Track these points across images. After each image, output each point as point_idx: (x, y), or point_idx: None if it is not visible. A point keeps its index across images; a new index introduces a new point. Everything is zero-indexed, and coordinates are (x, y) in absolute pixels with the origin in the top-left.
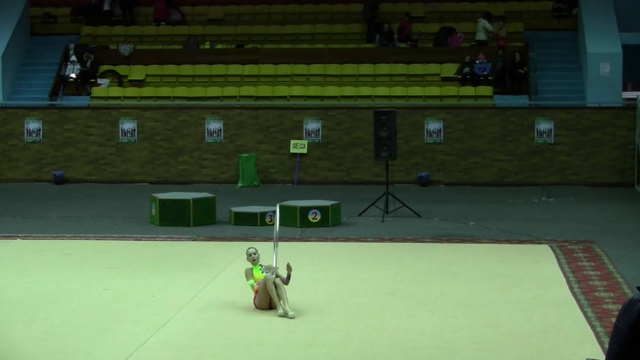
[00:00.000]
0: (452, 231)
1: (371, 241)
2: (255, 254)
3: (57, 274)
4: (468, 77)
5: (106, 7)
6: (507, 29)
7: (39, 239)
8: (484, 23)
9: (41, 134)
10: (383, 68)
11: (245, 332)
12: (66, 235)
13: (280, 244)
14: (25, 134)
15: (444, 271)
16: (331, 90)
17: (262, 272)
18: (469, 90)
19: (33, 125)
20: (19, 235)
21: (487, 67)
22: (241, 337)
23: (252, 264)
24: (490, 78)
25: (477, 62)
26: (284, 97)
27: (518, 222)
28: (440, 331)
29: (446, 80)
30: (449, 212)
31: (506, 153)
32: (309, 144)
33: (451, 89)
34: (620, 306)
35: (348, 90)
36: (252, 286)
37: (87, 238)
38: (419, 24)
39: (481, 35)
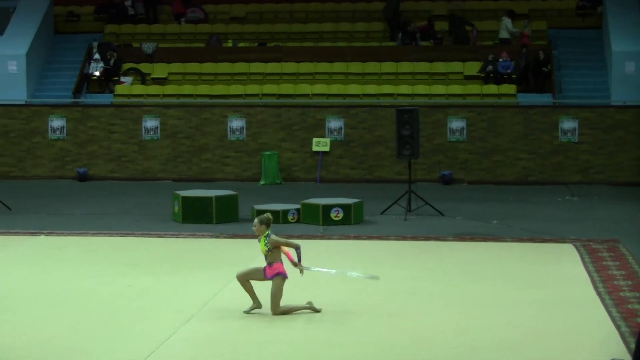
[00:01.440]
0: (475, 230)
1: (393, 239)
2: (255, 225)
3: (80, 271)
4: (491, 75)
5: (130, 12)
6: (530, 27)
7: (63, 236)
8: (506, 22)
9: (65, 131)
10: (405, 66)
11: (265, 330)
12: (89, 232)
13: (303, 241)
14: (49, 131)
15: (466, 270)
16: (353, 89)
17: (266, 245)
18: (492, 88)
19: (57, 122)
20: (43, 231)
21: (510, 65)
22: (261, 335)
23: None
24: (513, 76)
25: (500, 60)
26: (306, 95)
27: (541, 221)
28: (462, 331)
29: (469, 78)
30: (472, 210)
31: (529, 152)
32: (331, 142)
33: (474, 88)
34: None
35: (370, 89)
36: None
37: (109, 235)
38: (441, 22)
39: (504, 34)
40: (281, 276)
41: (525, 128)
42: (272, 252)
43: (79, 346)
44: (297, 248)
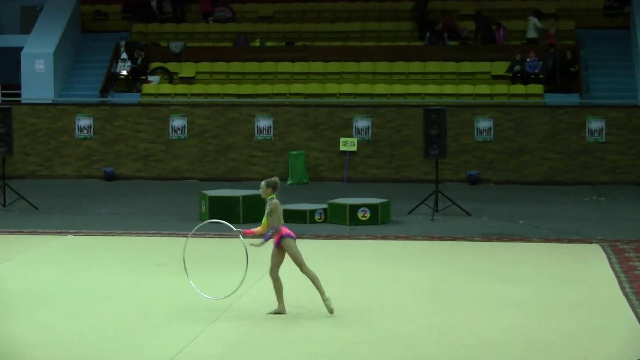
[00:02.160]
0: (501, 230)
1: (420, 239)
2: (262, 188)
3: (107, 270)
4: (519, 75)
5: (158, 15)
6: (557, 27)
7: (89, 235)
8: (534, 21)
9: (92, 130)
10: (433, 66)
11: (292, 330)
12: (116, 231)
13: (330, 241)
14: (76, 130)
15: (493, 270)
16: (381, 88)
17: (267, 207)
18: (519, 88)
19: (84, 121)
20: (70, 231)
21: (538, 65)
22: (288, 335)
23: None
24: (541, 76)
25: (527, 60)
26: (334, 95)
27: (568, 221)
28: (489, 330)
29: (497, 78)
30: (499, 210)
31: (557, 152)
32: (358, 141)
33: (501, 87)
34: None
35: (398, 88)
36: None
37: (136, 235)
38: (468, 21)
39: (532, 33)
40: (287, 237)
41: (552, 128)
42: (271, 217)
43: (107, 345)
44: (266, 238)
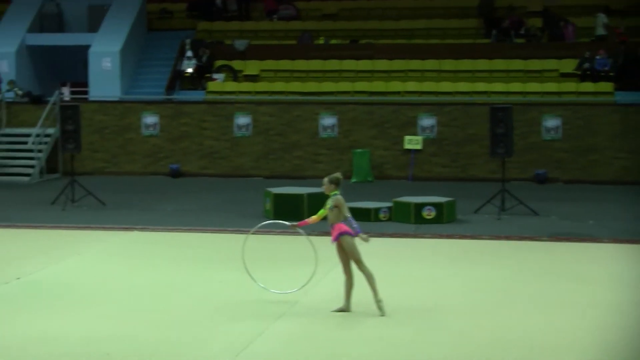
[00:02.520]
0: (570, 230)
1: (487, 239)
2: (324, 184)
3: (173, 266)
4: (588, 72)
5: (223, 13)
6: (627, 24)
7: (155, 231)
8: (602, 18)
9: (158, 127)
10: (499, 64)
11: (357, 328)
12: (182, 228)
13: (394, 240)
14: (143, 127)
15: (562, 271)
16: (446, 86)
17: (330, 202)
18: (588, 86)
19: (150, 119)
20: (136, 227)
21: (607, 62)
22: (353, 332)
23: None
24: (611, 74)
25: (597, 57)
26: (398, 93)
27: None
28: (558, 332)
29: (565, 76)
30: (567, 210)
31: (628, 151)
32: (423, 139)
33: (570, 85)
34: None
35: (463, 86)
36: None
37: (202, 231)
38: (535, 18)
39: (600, 30)
40: (347, 234)
41: (623, 126)
42: (333, 212)
43: (173, 340)
44: (358, 231)
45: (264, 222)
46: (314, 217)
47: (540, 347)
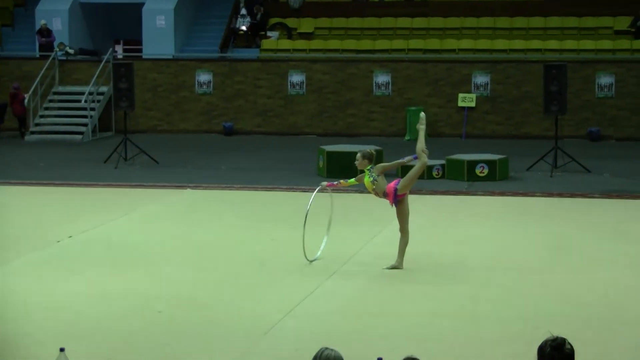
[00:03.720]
0: (623, 187)
1: (539, 196)
2: (358, 159)
3: (226, 224)
4: None
5: None
6: None
7: (209, 189)
8: None
9: (212, 86)
10: (554, 21)
11: (410, 285)
12: (235, 186)
13: (447, 197)
14: (196, 85)
15: (614, 228)
16: (500, 44)
17: (370, 176)
18: None
19: (204, 77)
20: (189, 185)
21: None
22: (406, 290)
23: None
24: None
25: None
26: (453, 51)
27: None
28: (610, 289)
29: (619, 33)
30: (620, 167)
31: None
32: (477, 97)
33: (624, 43)
34: None
35: (518, 44)
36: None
37: (255, 189)
38: None
39: None
40: (401, 197)
41: None
42: (378, 181)
43: (226, 297)
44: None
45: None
46: (343, 182)
47: (599, 303)
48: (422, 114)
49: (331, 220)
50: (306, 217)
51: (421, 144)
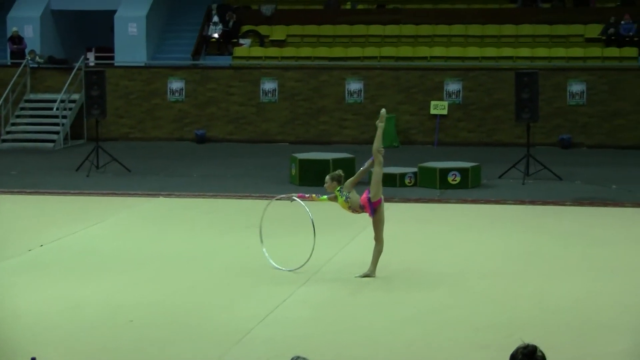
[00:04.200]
0: (594, 194)
1: (511, 204)
2: (327, 182)
3: (198, 232)
4: (613, 38)
5: None
6: None
7: (181, 197)
8: None
9: (184, 93)
10: (526, 29)
11: (383, 292)
12: (207, 193)
13: (419, 205)
14: (169, 93)
15: (585, 235)
16: (472, 51)
17: (343, 196)
18: (613, 51)
19: (176, 84)
20: (162, 193)
21: (632, 27)
22: (379, 297)
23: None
24: (636, 39)
25: (622, 22)
26: (425, 58)
27: None
28: (582, 295)
29: (590, 41)
30: (591, 175)
31: None
32: (449, 105)
33: (595, 50)
34: None
35: (489, 51)
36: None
37: (227, 197)
38: None
39: None
40: (377, 205)
41: None
42: (351, 198)
43: (199, 306)
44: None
45: (275, 199)
46: (315, 196)
47: (571, 309)
48: (383, 110)
49: (314, 230)
50: (260, 228)
51: (377, 143)
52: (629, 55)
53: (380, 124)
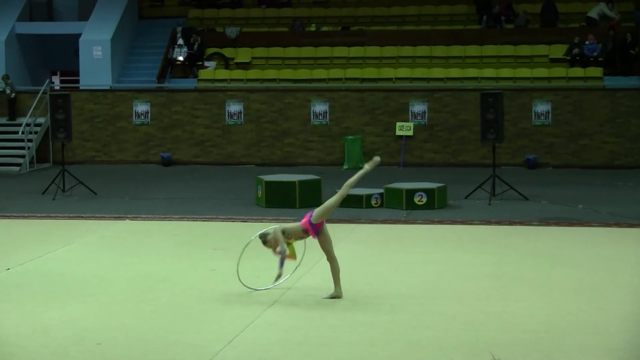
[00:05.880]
0: (560, 214)
1: (478, 224)
2: (279, 245)
3: (165, 255)
4: (577, 58)
5: (214, 0)
6: (618, 9)
7: (147, 220)
8: (602, 6)
9: (149, 116)
10: (490, 49)
11: (350, 314)
12: (174, 216)
13: (386, 226)
14: (134, 116)
15: (552, 255)
16: (437, 72)
17: (287, 242)
18: (578, 71)
19: (141, 107)
20: (128, 216)
21: (597, 48)
22: (346, 319)
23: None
24: (600, 59)
25: (586, 43)
26: (390, 79)
27: (628, 205)
28: (549, 315)
29: (555, 61)
30: (557, 195)
31: (617, 135)
32: (414, 126)
33: (560, 71)
34: None
35: (454, 72)
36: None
37: (194, 219)
38: (525, 4)
39: (594, 14)
40: (319, 227)
41: (612, 111)
42: (289, 232)
43: (165, 328)
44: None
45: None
46: (292, 255)
47: (539, 330)
48: (377, 158)
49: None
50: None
51: (355, 180)
52: (594, 75)
53: (368, 168)
